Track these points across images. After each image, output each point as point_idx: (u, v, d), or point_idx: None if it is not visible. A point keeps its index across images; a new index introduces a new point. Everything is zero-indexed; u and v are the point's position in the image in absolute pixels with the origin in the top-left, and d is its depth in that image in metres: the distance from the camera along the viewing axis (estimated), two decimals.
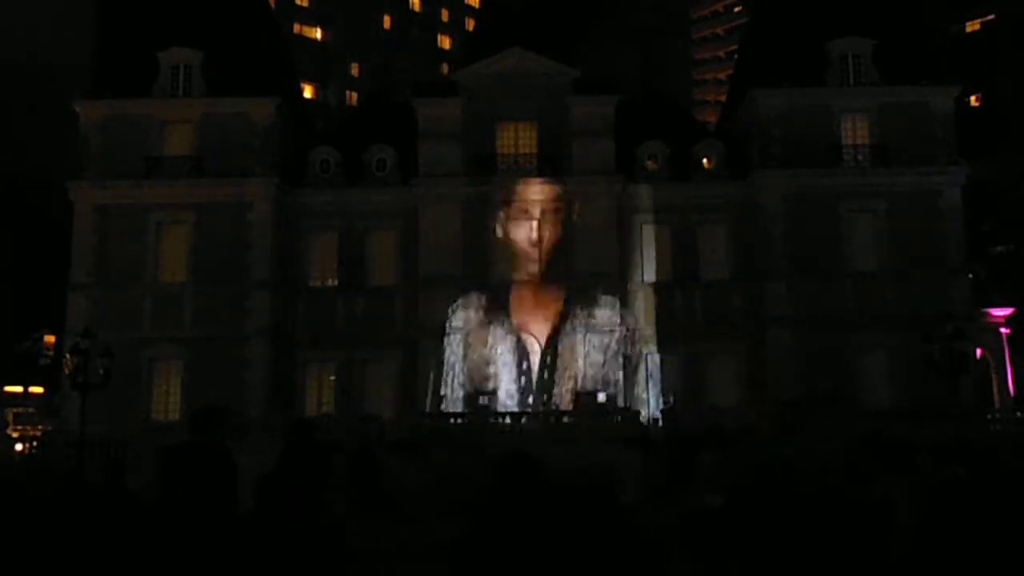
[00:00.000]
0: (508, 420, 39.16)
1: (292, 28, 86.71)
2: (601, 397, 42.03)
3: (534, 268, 44.81)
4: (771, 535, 6.48)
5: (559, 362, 44.02)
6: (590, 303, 44.10)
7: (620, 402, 42.87)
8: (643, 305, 45.09)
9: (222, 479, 7.17)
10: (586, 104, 45.51)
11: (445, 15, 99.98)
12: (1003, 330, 44.37)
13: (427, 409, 41.45)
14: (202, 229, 44.83)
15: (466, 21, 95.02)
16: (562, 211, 45.11)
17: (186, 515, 6.63)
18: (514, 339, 44.24)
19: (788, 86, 45.46)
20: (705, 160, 46.80)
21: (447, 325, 44.03)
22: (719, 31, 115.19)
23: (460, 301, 44.15)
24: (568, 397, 42.77)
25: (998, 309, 44.89)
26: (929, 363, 32.01)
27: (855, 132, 45.94)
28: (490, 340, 44.08)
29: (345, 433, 36.69)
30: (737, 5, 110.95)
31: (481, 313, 44.25)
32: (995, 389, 44.04)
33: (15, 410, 60.15)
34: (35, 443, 39.79)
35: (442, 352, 43.94)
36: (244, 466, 7.60)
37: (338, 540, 6.45)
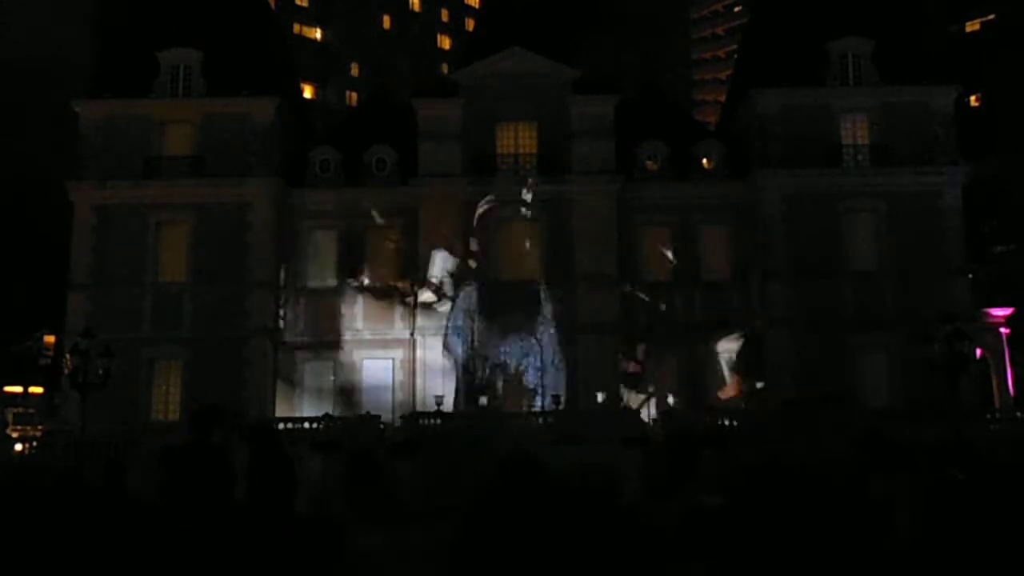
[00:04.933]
0: (508, 420, 39.10)
1: (292, 28, 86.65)
2: (601, 397, 42.01)
3: (534, 268, 44.75)
4: (771, 535, 6.48)
5: (559, 362, 43.97)
6: (590, 303, 44.09)
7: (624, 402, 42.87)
8: (642, 305, 45.07)
9: (222, 478, 7.18)
10: (586, 104, 45.50)
11: (445, 15, 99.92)
12: (1003, 330, 44.36)
13: (426, 409, 41.40)
14: (202, 229, 44.82)
15: (466, 21, 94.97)
16: (562, 211, 45.09)
17: (187, 514, 6.63)
18: (514, 339, 44.21)
19: (788, 86, 45.44)
20: (705, 160, 46.80)
21: (446, 325, 44.05)
22: (719, 31, 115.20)
23: (460, 301, 44.17)
24: (569, 397, 42.75)
25: (998, 309, 44.88)
26: (929, 363, 31.94)
27: (855, 132, 45.93)
28: (490, 339, 44.07)
29: (345, 433, 36.76)
30: (737, 5, 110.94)
31: (481, 313, 44.24)
32: (995, 389, 44.02)
33: (15, 410, 60.04)
34: (35, 443, 39.75)
35: (442, 351, 43.94)
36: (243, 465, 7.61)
37: (338, 540, 6.46)
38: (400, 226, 46.03)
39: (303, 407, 43.93)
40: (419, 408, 42.11)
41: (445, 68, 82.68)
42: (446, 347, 43.93)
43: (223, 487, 7.12)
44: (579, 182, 44.93)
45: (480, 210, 44.34)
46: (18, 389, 64.61)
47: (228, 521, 6.56)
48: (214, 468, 7.21)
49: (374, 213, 45.41)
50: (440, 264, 43.94)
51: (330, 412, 41.39)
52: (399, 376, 45.01)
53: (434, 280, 43.83)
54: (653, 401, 43.54)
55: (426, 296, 44.00)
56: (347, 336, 45.23)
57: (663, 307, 45.02)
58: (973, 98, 70.23)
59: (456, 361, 43.88)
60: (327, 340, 45.14)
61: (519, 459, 6.27)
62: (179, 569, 6.46)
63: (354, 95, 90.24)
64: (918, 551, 6.75)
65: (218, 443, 7.56)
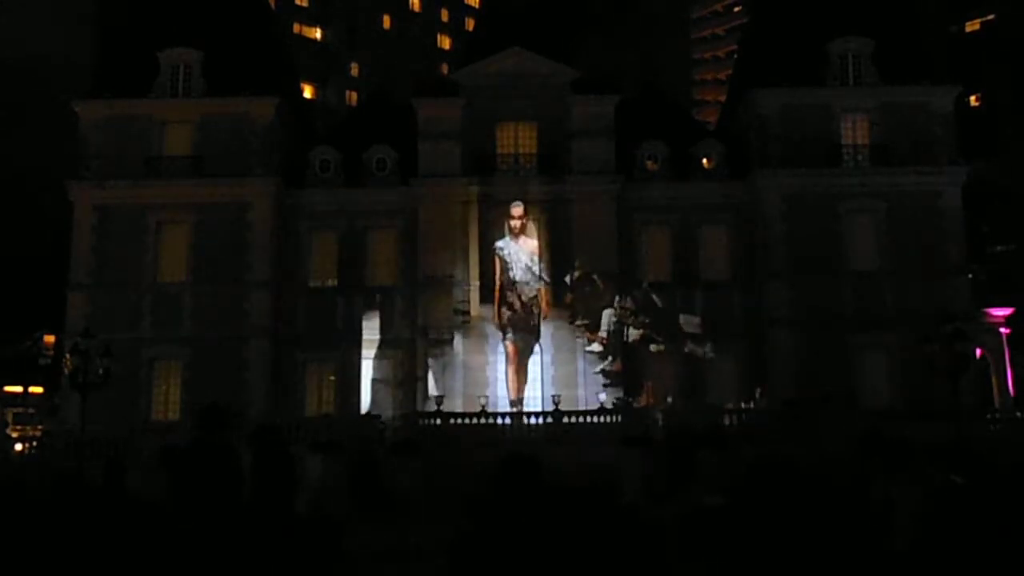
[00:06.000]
0: (508, 420, 39.11)
1: (292, 28, 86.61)
2: (602, 396, 41.99)
3: (534, 268, 44.72)
4: (771, 535, 6.48)
5: (558, 362, 43.96)
6: (589, 303, 44.08)
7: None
8: (643, 305, 45.09)
9: (229, 478, 7.16)
10: (586, 104, 45.49)
11: (445, 15, 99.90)
12: (1003, 330, 44.32)
13: (426, 409, 41.40)
14: (202, 229, 44.81)
15: (466, 21, 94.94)
16: (562, 211, 45.06)
17: (193, 513, 6.62)
18: (513, 339, 44.19)
19: (788, 86, 45.41)
20: (705, 160, 46.78)
21: (446, 325, 44.04)
22: (719, 31, 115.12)
23: (460, 301, 44.18)
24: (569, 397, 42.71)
25: (998, 309, 44.84)
26: (929, 363, 31.95)
27: (855, 132, 45.91)
28: (489, 340, 44.06)
29: (345, 433, 36.76)
30: (737, 5, 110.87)
31: (480, 313, 44.24)
32: (995, 389, 43.99)
33: (15, 410, 60.18)
34: (35, 443, 39.79)
35: (442, 352, 43.93)
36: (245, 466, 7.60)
37: (337, 540, 6.45)
38: (400, 226, 46.04)
39: (303, 407, 43.93)
40: (419, 408, 42.10)
41: (445, 68, 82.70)
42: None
43: (232, 487, 7.11)
44: (579, 182, 44.91)
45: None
46: (18, 389, 64.69)
47: (230, 521, 6.56)
48: (223, 468, 7.20)
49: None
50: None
51: (330, 412, 41.42)
52: (399, 376, 44.99)
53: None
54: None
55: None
56: (346, 336, 45.18)
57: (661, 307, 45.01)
58: (973, 98, 70.20)
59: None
60: (327, 340, 45.11)
61: (519, 459, 6.27)
62: (180, 568, 6.46)
63: (354, 95, 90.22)
64: (918, 552, 6.75)
65: (225, 443, 7.56)
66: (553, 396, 42.30)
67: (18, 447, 40.73)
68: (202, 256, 44.59)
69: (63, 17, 74.49)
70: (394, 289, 45.62)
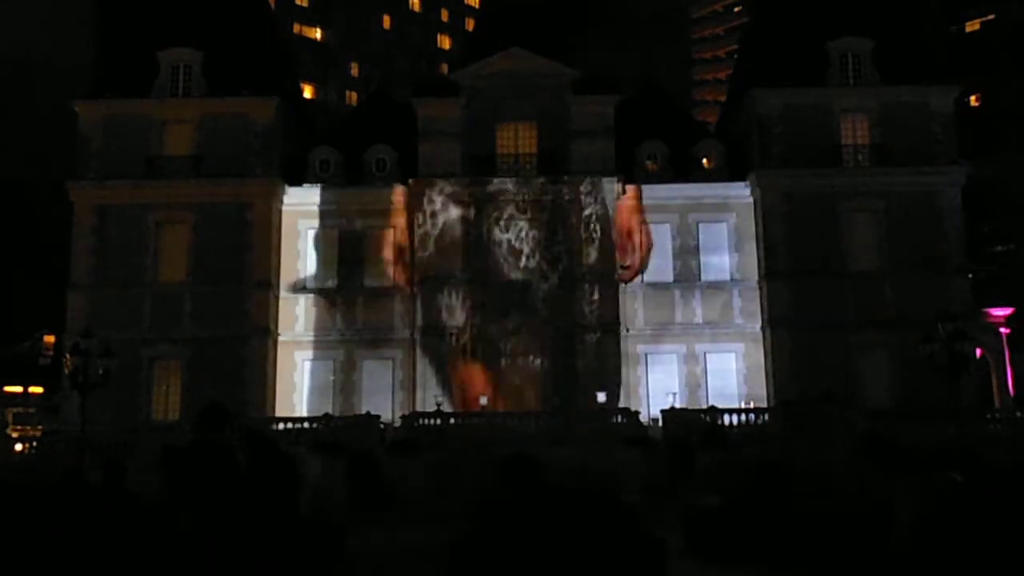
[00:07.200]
0: (508, 420, 39.10)
1: (292, 28, 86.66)
2: (601, 397, 41.98)
3: (534, 268, 44.72)
4: (771, 535, 6.49)
5: (559, 362, 43.97)
6: (590, 303, 44.08)
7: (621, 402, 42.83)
8: (643, 304, 45.13)
9: (228, 478, 7.17)
10: (586, 104, 45.49)
11: (445, 15, 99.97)
12: (1003, 330, 44.35)
13: (426, 409, 41.41)
14: (202, 229, 44.82)
15: (466, 21, 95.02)
16: (562, 211, 45.06)
17: (193, 513, 6.63)
18: (513, 339, 44.20)
19: (788, 86, 45.45)
20: (705, 160, 46.80)
21: (446, 325, 44.05)
22: (719, 31, 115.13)
23: (459, 301, 44.19)
24: (569, 397, 42.73)
25: (998, 309, 44.87)
26: (929, 363, 31.97)
27: (855, 132, 45.93)
28: (489, 340, 44.06)
29: (345, 433, 36.78)
30: (737, 5, 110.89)
31: (480, 313, 44.24)
32: (995, 389, 44.01)
33: (15, 410, 60.07)
34: (35, 443, 39.74)
35: (442, 352, 43.94)
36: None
37: (337, 540, 6.45)
38: (400, 226, 46.05)
39: (303, 407, 43.94)
40: (419, 408, 42.11)
41: (445, 68, 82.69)
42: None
43: (232, 487, 7.12)
44: (579, 182, 44.90)
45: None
46: (18, 389, 64.60)
47: (231, 521, 6.57)
48: (222, 468, 7.21)
49: None
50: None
51: (330, 412, 41.43)
52: (399, 376, 45.02)
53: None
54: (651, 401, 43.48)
55: None
56: (348, 336, 45.22)
57: (661, 307, 45.07)
58: (973, 98, 70.23)
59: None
60: (329, 340, 45.13)
61: (519, 460, 6.28)
62: (181, 568, 6.47)
63: (354, 95, 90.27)
64: (918, 551, 6.75)
65: (224, 443, 7.57)
66: (552, 397, 42.37)
67: (18, 447, 40.62)
68: (202, 256, 44.60)
69: (63, 17, 74.51)
70: (394, 289, 45.66)
